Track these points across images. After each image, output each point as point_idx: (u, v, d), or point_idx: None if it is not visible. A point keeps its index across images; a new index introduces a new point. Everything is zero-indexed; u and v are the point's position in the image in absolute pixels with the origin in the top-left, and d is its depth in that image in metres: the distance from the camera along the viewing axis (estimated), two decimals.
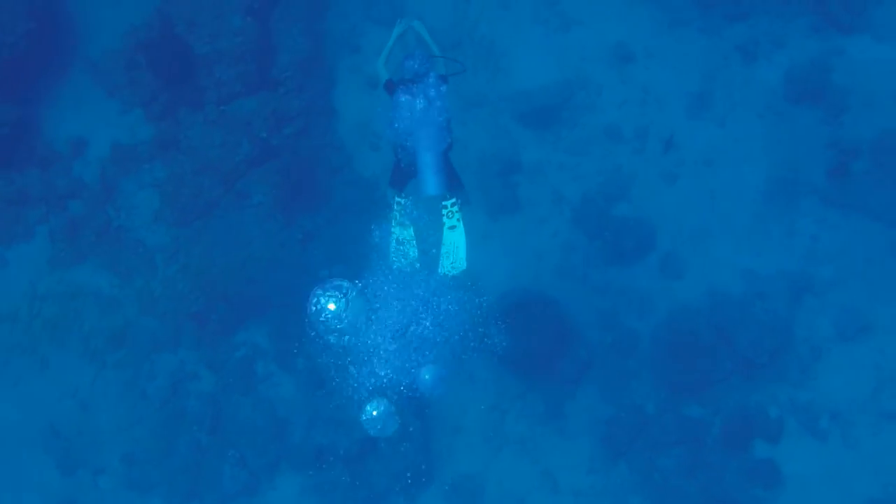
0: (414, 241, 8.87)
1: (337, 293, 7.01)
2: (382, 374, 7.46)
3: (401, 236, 8.84)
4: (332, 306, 6.97)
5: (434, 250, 8.91)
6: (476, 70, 14.17)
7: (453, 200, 8.72)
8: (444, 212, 8.77)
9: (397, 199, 8.71)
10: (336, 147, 13.88)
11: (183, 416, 13.09)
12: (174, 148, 13.59)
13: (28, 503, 12.73)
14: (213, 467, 13.00)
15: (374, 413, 7.30)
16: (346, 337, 7.26)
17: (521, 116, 14.10)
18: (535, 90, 14.15)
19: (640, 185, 13.84)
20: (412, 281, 8.03)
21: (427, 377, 7.49)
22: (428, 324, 7.63)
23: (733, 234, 13.64)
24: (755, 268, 13.45)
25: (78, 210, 13.56)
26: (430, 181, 8.31)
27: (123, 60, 13.80)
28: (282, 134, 13.63)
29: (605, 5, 14.47)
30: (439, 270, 8.91)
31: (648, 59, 14.29)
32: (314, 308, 6.99)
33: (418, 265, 8.88)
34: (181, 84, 13.65)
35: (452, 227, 8.83)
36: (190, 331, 13.19)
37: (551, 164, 13.97)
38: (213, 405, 13.14)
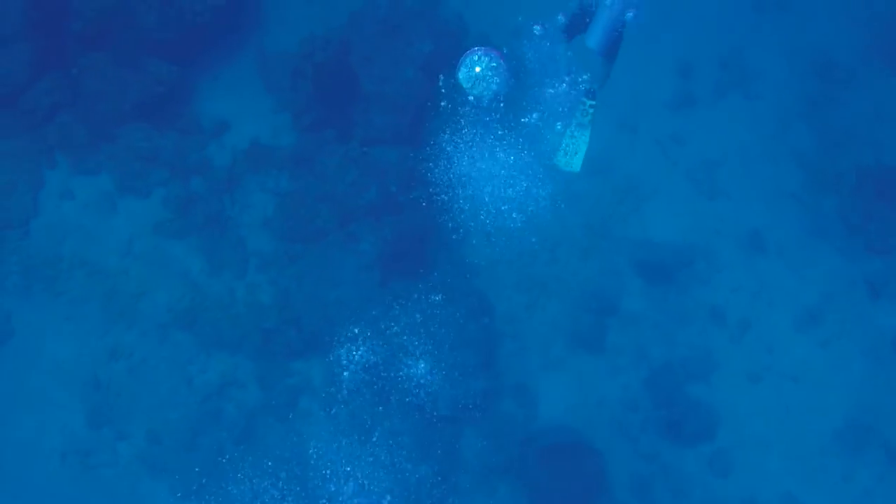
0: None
1: None
2: None
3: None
4: None
5: None
6: (614, 204, 14.21)
7: (593, 102, 8.92)
8: (581, 107, 9.02)
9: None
10: (455, 225, 13.92)
11: (218, 417, 13.28)
12: (307, 167, 13.79)
13: (47, 440, 12.99)
14: (225, 477, 13.17)
15: None
16: None
17: (637, 263, 14.09)
18: (660, 243, 14.16)
19: (723, 374, 13.79)
20: None
21: None
22: None
23: (792, 456, 13.53)
24: (800, 498, 13.34)
25: (198, 188, 13.81)
26: (594, 34, 8.52)
27: (292, 65, 14.02)
28: (410, 194, 13.73)
29: (757, 190, 14.45)
30: (553, 159, 9.31)
31: (777, 257, 14.24)
32: None
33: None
34: (336, 110, 13.85)
35: (582, 125, 9.09)
36: (254, 342, 13.36)
37: (647, 321, 13.94)
38: (248, 418, 13.31)
